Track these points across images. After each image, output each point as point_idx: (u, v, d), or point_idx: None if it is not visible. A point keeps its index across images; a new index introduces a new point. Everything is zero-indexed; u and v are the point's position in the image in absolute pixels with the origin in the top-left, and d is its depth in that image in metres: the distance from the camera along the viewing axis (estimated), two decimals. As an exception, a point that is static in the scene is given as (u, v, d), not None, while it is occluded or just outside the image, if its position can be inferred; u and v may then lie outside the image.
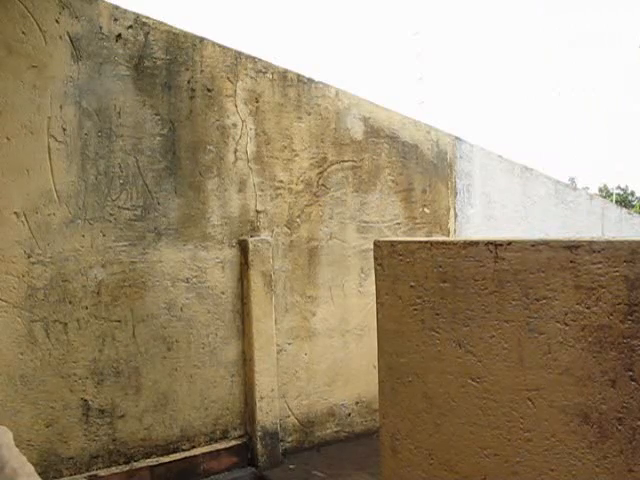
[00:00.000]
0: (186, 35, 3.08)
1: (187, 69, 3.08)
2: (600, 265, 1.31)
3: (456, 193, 4.15)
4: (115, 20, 2.87)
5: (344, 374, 3.63)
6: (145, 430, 2.96)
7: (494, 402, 1.54)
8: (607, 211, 5.16)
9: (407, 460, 1.79)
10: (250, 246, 3.20)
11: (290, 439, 3.42)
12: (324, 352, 3.56)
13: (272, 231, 3.37)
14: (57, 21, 2.71)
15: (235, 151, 3.24)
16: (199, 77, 3.12)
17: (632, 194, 33.52)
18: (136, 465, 2.91)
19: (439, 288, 1.68)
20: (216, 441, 3.19)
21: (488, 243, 1.55)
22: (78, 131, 2.78)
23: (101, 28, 2.83)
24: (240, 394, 3.27)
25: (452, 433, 1.65)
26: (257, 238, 3.26)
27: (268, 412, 3.25)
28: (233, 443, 3.22)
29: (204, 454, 3.10)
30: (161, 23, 3.02)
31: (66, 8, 2.73)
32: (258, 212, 3.32)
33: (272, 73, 3.37)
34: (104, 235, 2.85)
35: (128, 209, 2.92)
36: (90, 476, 2.78)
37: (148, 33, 2.96)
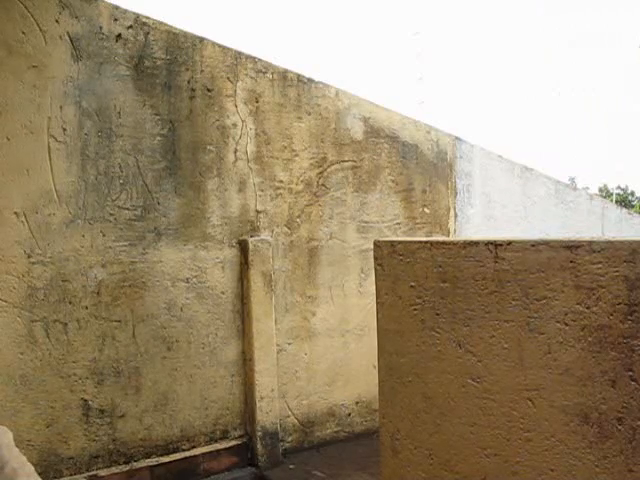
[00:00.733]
0: (186, 35, 3.08)
1: (187, 69, 3.08)
2: (600, 265, 1.31)
3: (456, 193, 4.15)
4: (115, 20, 2.87)
5: (344, 374, 3.63)
6: (145, 430, 2.96)
7: (494, 402, 1.54)
8: (607, 211, 5.16)
9: (407, 460, 1.79)
10: (250, 246, 3.20)
11: (290, 439, 3.42)
12: (324, 352, 3.56)
13: (272, 231, 3.37)
14: (57, 21, 2.71)
15: (235, 151, 3.24)
16: (199, 77, 3.12)
17: (632, 194, 33.53)
18: (136, 465, 2.91)
19: (439, 288, 1.68)
20: (216, 441, 3.19)
21: (488, 243, 1.55)
22: (78, 131, 2.78)
23: (101, 28, 2.83)
24: (240, 394, 3.27)
25: (452, 433, 1.65)
26: (257, 238, 3.26)
27: (268, 412, 3.25)
28: (233, 443, 3.22)
29: (204, 454, 3.10)
30: (161, 23, 3.02)
31: (66, 8, 2.73)
32: (258, 212, 3.32)
33: (272, 73, 3.37)
34: (104, 235, 2.85)
35: (128, 209, 2.92)
36: (90, 476, 2.78)
37: (148, 33, 2.96)
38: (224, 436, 3.22)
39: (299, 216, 3.47)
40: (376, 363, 1.94)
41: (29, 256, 2.67)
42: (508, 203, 4.46)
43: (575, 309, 1.36)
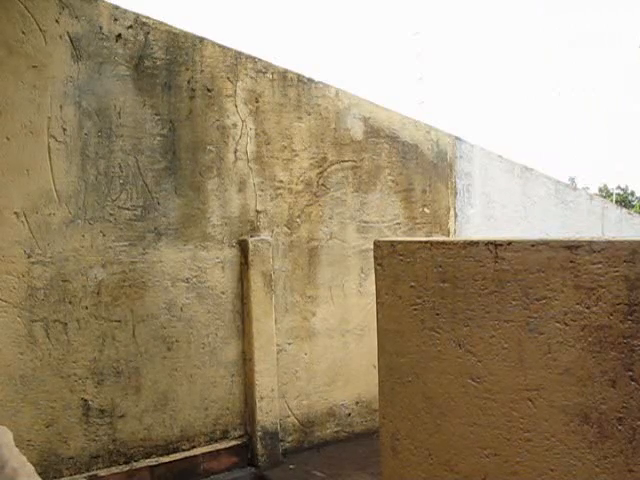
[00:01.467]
0: (186, 35, 3.08)
1: (187, 69, 3.08)
2: (600, 265, 1.31)
3: (456, 193, 4.15)
4: (115, 20, 2.87)
5: (344, 374, 3.63)
6: (145, 430, 2.96)
7: (494, 402, 1.54)
8: (607, 211, 5.16)
9: (407, 460, 1.79)
10: (250, 246, 3.20)
11: (290, 439, 3.42)
12: (324, 352, 3.56)
13: (272, 231, 3.37)
14: (57, 21, 2.71)
15: (235, 151, 3.24)
16: (199, 77, 3.12)
17: (632, 194, 33.52)
18: (136, 465, 2.91)
19: (439, 288, 1.68)
20: (216, 441, 3.19)
21: (488, 243, 1.55)
22: (78, 131, 2.78)
23: (101, 28, 2.83)
24: (240, 394, 3.27)
25: (452, 433, 1.65)
26: (257, 238, 3.26)
27: (268, 412, 3.25)
28: (233, 443, 3.22)
29: (204, 454, 3.10)
30: (161, 23, 3.02)
31: (66, 8, 2.73)
32: (258, 212, 3.32)
33: (272, 73, 3.37)
34: (104, 235, 2.85)
35: (128, 209, 2.92)
36: (90, 476, 2.78)
37: (148, 33, 2.96)
38: (224, 436, 3.22)
39: (299, 216, 3.47)
40: (376, 363, 1.94)
41: (29, 256, 2.67)
42: (508, 203, 4.46)
43: (575, 309, 1.36)
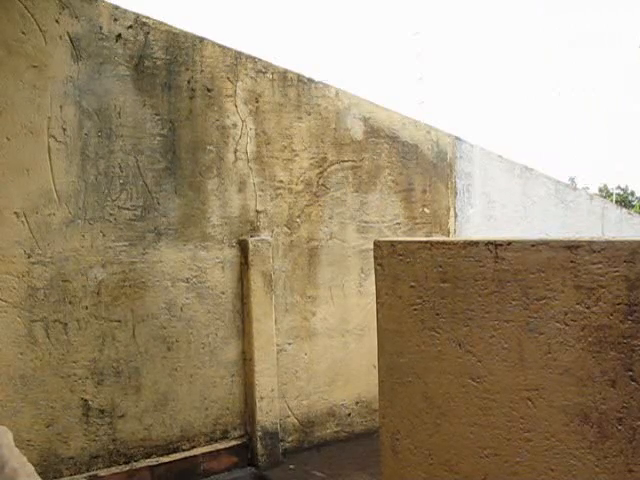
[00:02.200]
0: (186, 35, 3.08)
1: (187, 69, 3.08)
2: (600, 265, 1.31)
3: (456, 193, 4.15)
4: (115, 20, 2.87)
5: (344, 374, 3.63)
6: (145, 430, 2.96)
7: (494, 402, 1.54)
8: (607, 211, 5.16)
9: (407, 460, 1.79)
10: (250, 246, 3.20)
11: (290, 439, 3.42)
12: (324, 352, 3.56)
13: (272, 231, 3.37)
14: (57, 21, 2.71)
15: (235, 151, 3.24)
16: (199, 77, 3.12)
17: (632, 194, 33.50)
18: (136, 465, 2.91)
19: (439, 288, 1.68)
20: (216, 441, 3.19)
21: (488, 243, 1.55)
22: (78, 131, 2.78)
23: (101, 28, 2.83)
24: (240, 394, 3.27)
25: (452, 433, 1.65)
26: (257, 238, 3.26)
27: (268, 412, 3.25)
28: (233, 443, 3.22)
29: (204, 454, 3.10)
30: (161, 23, 3.02)
31: (66, 8, 2.73)
32: (258, 212, 3.32)
33: (272, 73, 3.37)
34: (104, 235, 2.85)
35: (128, 209, 2.92)
36: (90, 476, 2.78)
37: (148, 33, 2.96)
38: (224, 436, 3.22)
39: (299, 216, 3.47)
40: (376, 363, 1.94)
41: (29, 256, 2.67)
42: (508, 203, 4.46)
43: (575, 309, 1.36)
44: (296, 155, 3.45)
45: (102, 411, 2.84)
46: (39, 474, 1.13)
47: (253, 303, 3.21)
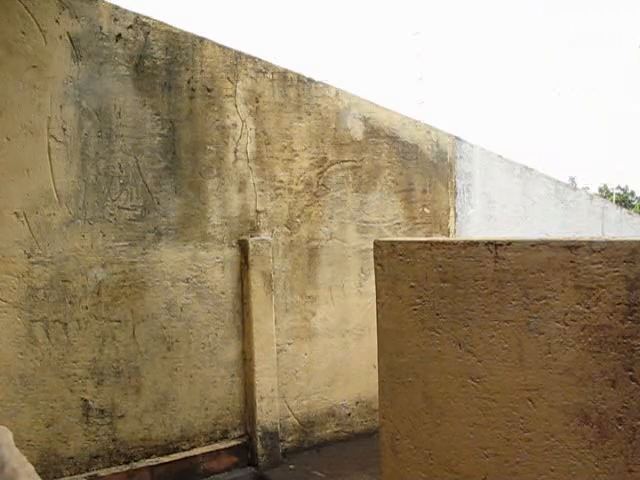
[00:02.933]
0: (186, 35, 3.08)
1: (187, 69, 3.08)
2: (600, 265, 1.31)
3: (456, 193, 4.15)
4: (115, 20, 2.87)
5: (344, 374, 3.63)
6: (145, 430, 2.96)
7: (494, 402, 1.54)
8: (607, 211, 5.16)
9: (407, 460, 1.79)
10: (250, 246, 3.20)
11: (290, 439, 3.42)
12: (324, 352, 3.56)
13: (272, 231, 3.37)
14: (57, 21, 2.71)
15: (235, 151, 3.24)
16: (199, 77, 3.12)
17: (632, 194, 33.49)
18: (136, 465, 2.91)
19: (439, 288, 1.68)
20: (216, 441, 3.19)
21: (488, 243, 1.55)
22: (78, 131, 2.78)
23: (101, 28, 2.83)
24: (240, 394, 3.27)
25: (452, 433, 1.65)
26: (257, 238, 3.26)
27: (268, 412, 3.25)
28: (233, 443, 3.22)
29: (204, 454, 3.10)
30: (161, 23, 3.02)
31: (66, 8, 2.73)
32: (258, 212, 3.32)
33: (272, 73, 3.37)
34: (104, 235, 2.85)
35: (128, 209, 2.92)
36: (90, 476, 2.78)
37: (148, 33, 2.96)
38: (224, 436, 3.22)
39: (299, 216, 3.47)
40: (376, 363, 1.94)
41: (29, 256, 2.67)
42: (508, 203, 4.46)
43: (575, 309, 1.36)
44: (296, 155, 3.45)
45: (102, 411, 2.85)
46: (39, 474, 1.13)
47: (253, 303, 3.21)
